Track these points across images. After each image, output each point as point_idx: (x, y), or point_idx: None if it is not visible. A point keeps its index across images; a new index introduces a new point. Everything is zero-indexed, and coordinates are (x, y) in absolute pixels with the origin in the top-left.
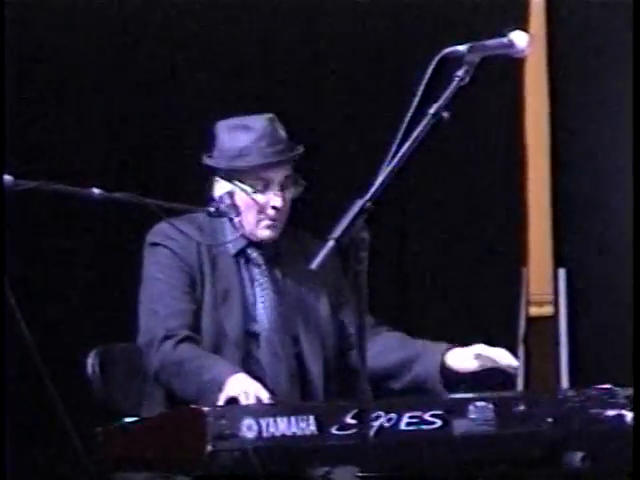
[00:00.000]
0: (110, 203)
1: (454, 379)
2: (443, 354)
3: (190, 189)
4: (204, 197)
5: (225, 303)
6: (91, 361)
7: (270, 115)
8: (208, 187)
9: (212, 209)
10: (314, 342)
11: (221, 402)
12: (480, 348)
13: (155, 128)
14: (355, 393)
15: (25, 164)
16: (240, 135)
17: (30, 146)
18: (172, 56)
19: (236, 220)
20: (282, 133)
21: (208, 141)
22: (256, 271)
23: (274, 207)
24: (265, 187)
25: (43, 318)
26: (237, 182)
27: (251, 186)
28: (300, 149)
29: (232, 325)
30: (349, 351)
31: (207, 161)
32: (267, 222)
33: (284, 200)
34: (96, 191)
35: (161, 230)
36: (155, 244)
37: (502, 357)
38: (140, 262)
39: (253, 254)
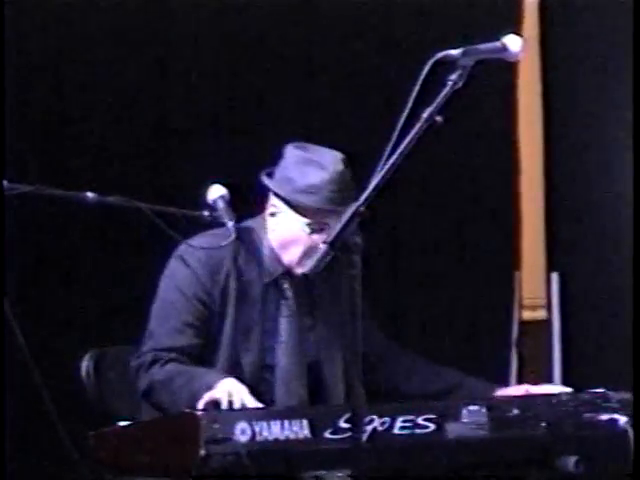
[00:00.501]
0: (104, 207)
1: None
2: (490, 393)
3: (188, 194)
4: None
5: (245, 338)
6: (85, 364)
7: (343, 156)
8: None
9: (206, 214)
10: (335, 365)
11: (202, 403)
12: (525, 388)
13: (151, 131)
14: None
15: (19, 168)
16: (312, 170)
17: (24, 150)
18: (166, 59)
19: (230, 225)
20: (350, 178)
21: (273, 159)
22: (283, 302)
23: (323, 243)
24: (321, 230)
25: (36, 321)
26: (298, 216)
27: (309, 225)
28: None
29: (249, 361)
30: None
31: (267, 182)
32: (310, 260)
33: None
34: (90, 195)
35: (193, 247)
36: (183, 260)
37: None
38: (138, 267)
39: (285, 285)
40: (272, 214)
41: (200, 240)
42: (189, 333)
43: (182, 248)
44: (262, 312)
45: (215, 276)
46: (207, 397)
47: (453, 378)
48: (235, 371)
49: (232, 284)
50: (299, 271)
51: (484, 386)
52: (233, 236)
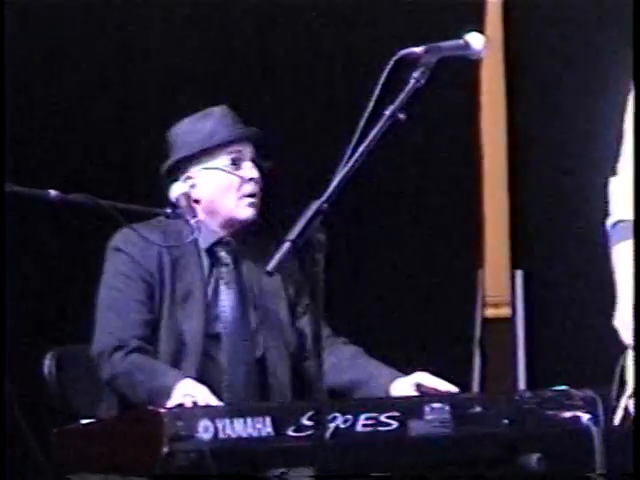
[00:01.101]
0: (67, 205)
1: None
2: (387, 385)
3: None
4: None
5: (186, 304)
6: (47, 362)
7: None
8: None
9: (169, 211)
10: (278, 346)
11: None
12: (420, 377)
13: (119, 127)
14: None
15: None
16: (203, 122)
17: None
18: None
19: (193, 221)
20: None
21: (163, 150)
22: (223, 270)
23: (251, 179)
24: (237, 164)
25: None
26: (210, 164)
27: (231, 161)
28: (258, 130)
29: (191, 327)
30: (304, 362)
31: (171, 161)
32: (247, 200)
33: (256, 174)
34: (52, 192)
35: (123, 235)
36: (116, 249)
37: (441, 386)
38: (98, 264)
39: (221, 252)
40: (192, 186)
41: (131, 228)
42: (144, 312)
43: (113, 238)
44: (203, 278)
45: (149, 251)
46: (171, 405)
47: (362, 371)
48: (177, 340)
49: (165, 257)
50: (244, 215)
51: (380, 376)
52: (194, 235)
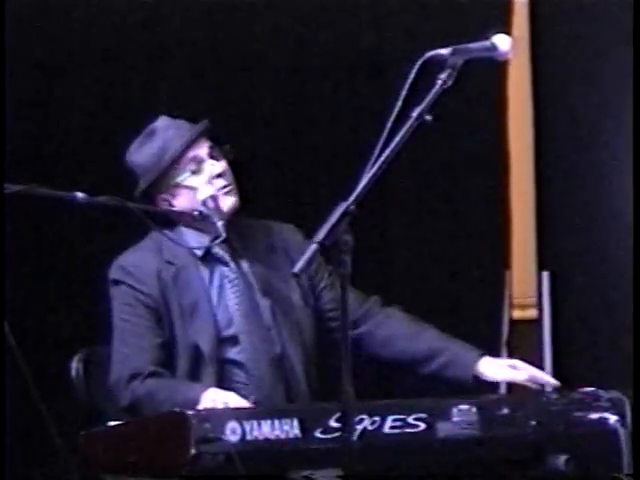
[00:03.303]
0: (94, 207)
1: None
2: (477, 359)
3: None
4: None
5: (194, 315)
6: (75, 365)
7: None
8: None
9: (196, 213)
10: (292, 331)
11: None
12: (514, 362)
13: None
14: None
15: (10, 167)
16: (150, 141)
17: (16, 149)
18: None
19: (219, 223)
20: (182, 120)
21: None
22: (225, 269)
23: (219, 175)
24: (199, 164)
25: (27, 321)
26: (176, 177)
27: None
28: (205, 121)
29: (203, 337)
30: (332, 334)
31: (139, 190)
32: (223, 190)
33: (222, 166)
34: (80, 195)
35: (120, 265)
36: (115, 281)
37: (541, 375)
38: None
39: (219, 252)
40: (170, 205)
41: (125, 255)
42: (154, 337)
43: (110, 271)
44: (206, 284)
45: (146, 275)
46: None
47: (435, 342)
48: (193, 353)
49: (165, 275)
50: (228, 204)
51: (466, 353)
52: (223, 235)
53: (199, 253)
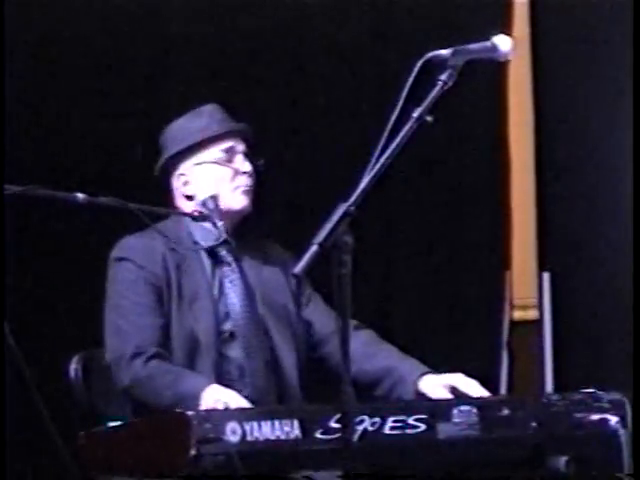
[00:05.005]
0: (94, 208)
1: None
2: (418, 378)
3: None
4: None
5: (194, 305)
6: (73, 366)
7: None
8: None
9: (196, 213)
10: (285, 335)
11: None
12: (453, 379)
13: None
14: (338, 395)
15: (11, 167)
16: (193, 119)
17: (15, 150)
18: (164, 57)
19: (220, 224)
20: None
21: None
22: (226, 269)
23: (245, 172)
24: (230, 157)
25: (25, 323)
26: (201, 158)
27: (223, 153)
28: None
29: (203, 327)
30: (319, 349)
31: (162, 159)
32: (241, 188)
33: (251, 168)
34: (80, 195)
35: (125, 244)
36: (119, 259)
37: (474, 390)
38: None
39: (222, 252)
40: (185, 183)
41: (129, 238)
42: (156, 317)
43: (114, 250)
44: (208, 279)
45: (152, 256)
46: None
47: (385, 363)
48: (190, 341)
49: (169, 260)
50: (240, 204)
51: (410, 374)
52: (224, 236)
53: (204, 246)
